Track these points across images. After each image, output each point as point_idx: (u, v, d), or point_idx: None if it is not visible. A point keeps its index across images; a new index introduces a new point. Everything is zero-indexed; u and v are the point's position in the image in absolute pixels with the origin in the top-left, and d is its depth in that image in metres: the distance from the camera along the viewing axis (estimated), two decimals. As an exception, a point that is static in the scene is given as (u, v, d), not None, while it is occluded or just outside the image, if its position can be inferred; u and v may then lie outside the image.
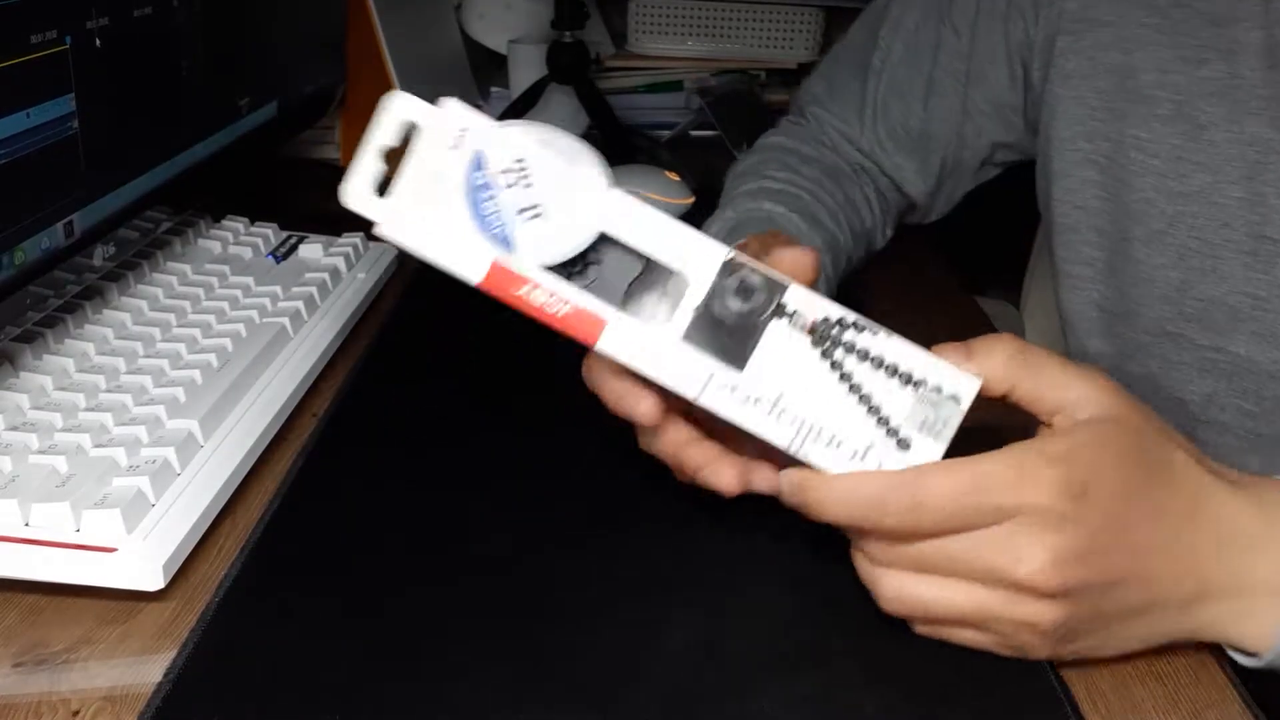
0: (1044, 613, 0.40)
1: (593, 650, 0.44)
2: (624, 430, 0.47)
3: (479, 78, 1.26)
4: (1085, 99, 0.62)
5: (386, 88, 1.02)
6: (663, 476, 0.48)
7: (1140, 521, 0.40)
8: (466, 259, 0.39)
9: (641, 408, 0.43)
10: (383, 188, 0.40)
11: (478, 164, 0.39)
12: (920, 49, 0.72)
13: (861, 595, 0.43)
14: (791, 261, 0.43)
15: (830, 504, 0.40)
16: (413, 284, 0.78)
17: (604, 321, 0.39)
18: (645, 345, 0.40)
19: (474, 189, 0.39)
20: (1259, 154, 0.55)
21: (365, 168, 0.40)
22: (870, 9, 0.77)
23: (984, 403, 0.41)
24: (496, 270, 0.39)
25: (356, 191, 0.40)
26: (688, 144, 1.20)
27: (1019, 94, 0.68)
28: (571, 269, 0.40)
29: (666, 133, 1.22)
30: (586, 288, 0.40)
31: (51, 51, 0.54)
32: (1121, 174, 0.61)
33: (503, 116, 1.17)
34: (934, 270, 0.88)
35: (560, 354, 0.44)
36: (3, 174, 0.51)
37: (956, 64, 0.70)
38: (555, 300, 0.39)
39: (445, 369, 0.67)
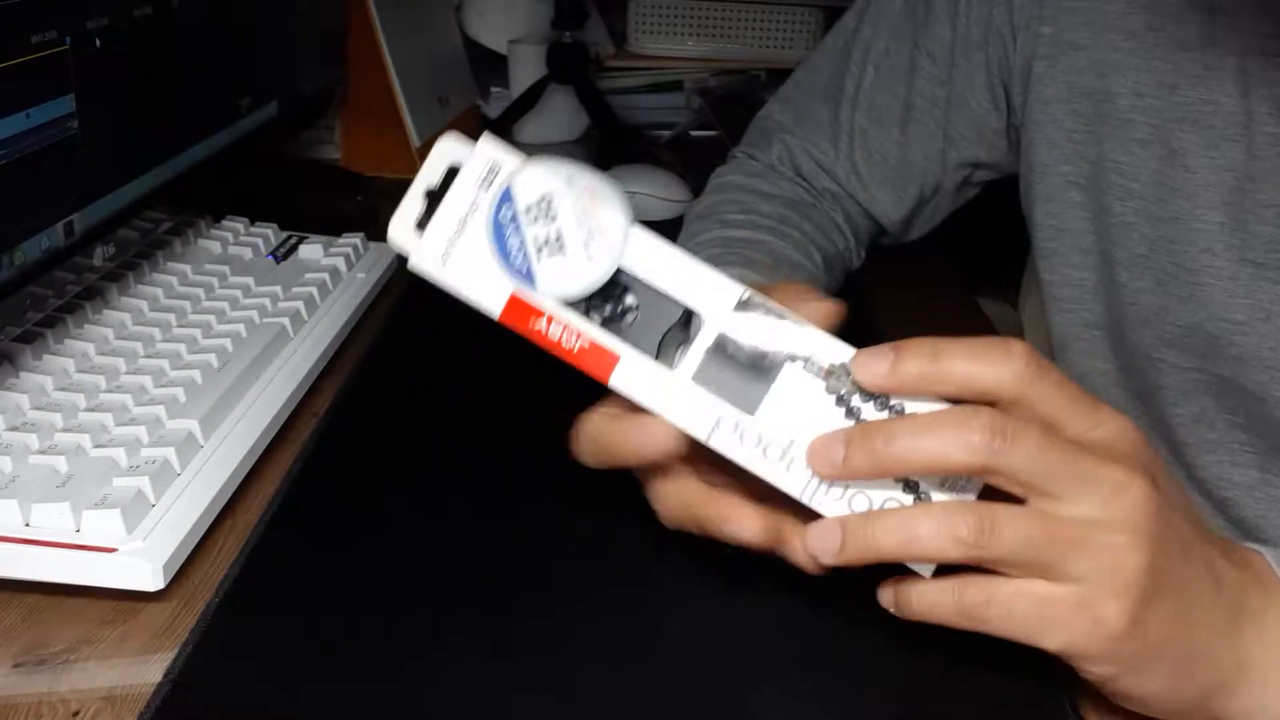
0: (1140, 520, 0.36)
1: (592, 650, 0.44)
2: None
3: (479, 78, 1.26)
4: (1063, 123, 0.62)
5: (386, 88, 1.02)
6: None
7: (1188, 497, 0.40)
8: (488, 292, 0.40)
9: (658, 431, 0.40)
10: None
11: (504, 200, 0.40)
12: (894, 73, 0.70)
13: (862, 594, 0.43)
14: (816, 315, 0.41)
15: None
16: (413, 285, 0.78)
17: (616, 357, 0.39)
18: (657, 383, 0.39)
19: (498, 224, 0.40)
20: (1237, 180, 0.54)
21: (410, 206, 0.41)
22: (834, 32, 0.76)
23: None
24: (515, 303, 0.40)
25: (397, 228, 0.41)
26: (688, 144, 1.20)
27: (1001, 117, 0.68)
28: (605, 312, 0.40)
29: (666, 133, 1.22)
30: (617, 330, 0.40)
31: (51, 51, 0.54)
32: (1102, 197, 0.60)
33: (503, 116, 1.17)
34: (934, 271, 0.88)
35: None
36: (3, 174, 0.51)
37: (934, 90, 0.69)
38: (570, 334, 0.40)
39: (445, 369, 0.67)
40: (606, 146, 1.16)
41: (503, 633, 0.45)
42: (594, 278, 0.39)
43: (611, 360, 0.39)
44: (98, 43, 0.58)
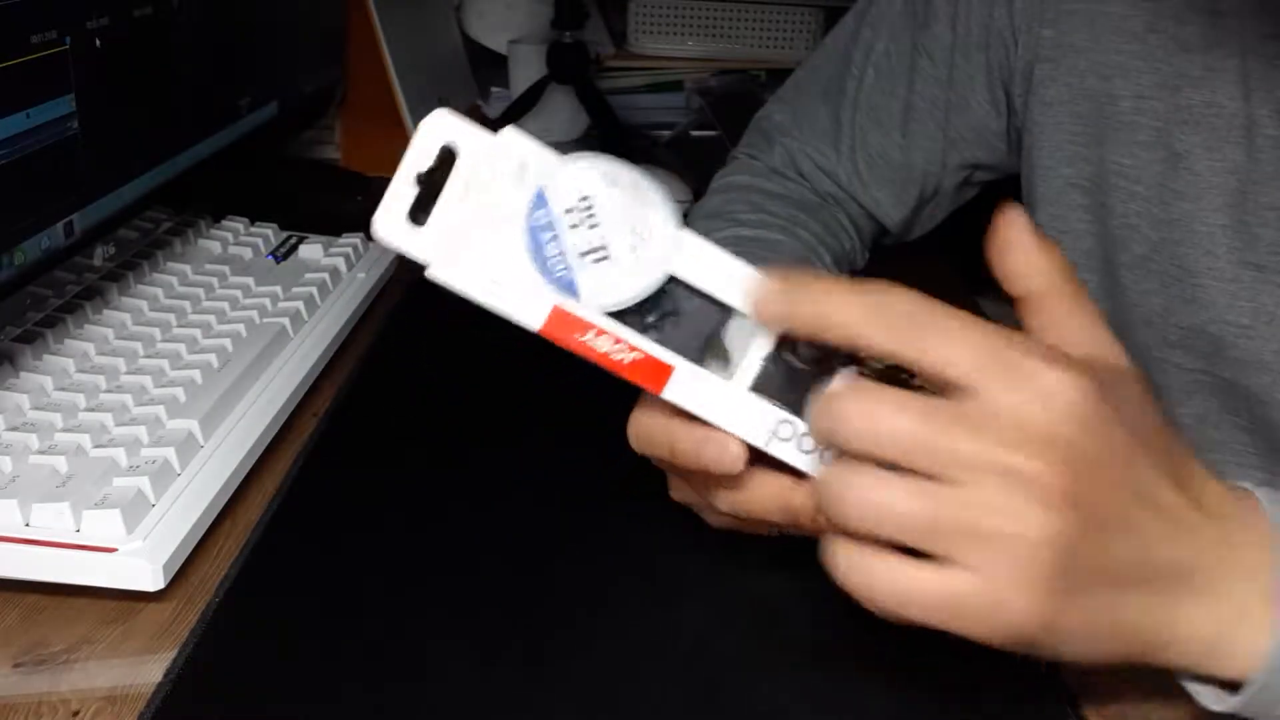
0: (1039, 518, 0.33)
1: (594, 650, 0.44)
2: (623, 431, 0.46)
3: (479, 78, 1.26)
4: (1065, 125, 0.61)
5: (386, 88, 1.02)
6: (662, 478, 0.48)
7: (1144, 470, 0.36)
8: (525, 304, 0.37)
9: (731, 450, 0.38)
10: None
11: (539, 202, 0.36)
12: (894, 75, 0.70)
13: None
14: None
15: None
16: (413, 284, 0.78)
17: (670, 369, 0.37)
18: (713, 393, 0.38)
19: (534, 229, 0.36)
20: (1240, 182, 0.54)
21: (399, 195, 0.36)
22: (834, 34, 0.75)
23: None
24: (558, 316, 0.37)
25: (392, 224, 0.36)
26: (688, 144, 1.20)
27: (1002, 119, 0.68)
28: (646, 319, 0.38)
29: (666, 133, 1.22)
30: (661, 338, 0.38)
31: (51, 51, 0.54)
32: (1104, 199, 0.60)
33: (503, 116, 1.17)
34: (934, 270, 0.88)
35: (560, 357, 0.44)
36: (3, 174, 0.51)
37: (935, 92, 0.69)
38: (620, 348, 0.37)
39: (445, 369, 0.67)
40: (606, 147, 1.15)
41: (504, 632, 0.45)
42: (643, 287, 0.37)
43: (665, 372, 0.37)
44: (98, 43, 0.58)
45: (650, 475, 0.49)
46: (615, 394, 0.43)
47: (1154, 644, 0.37)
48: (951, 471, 0.34)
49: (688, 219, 0.74)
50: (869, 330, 0.35)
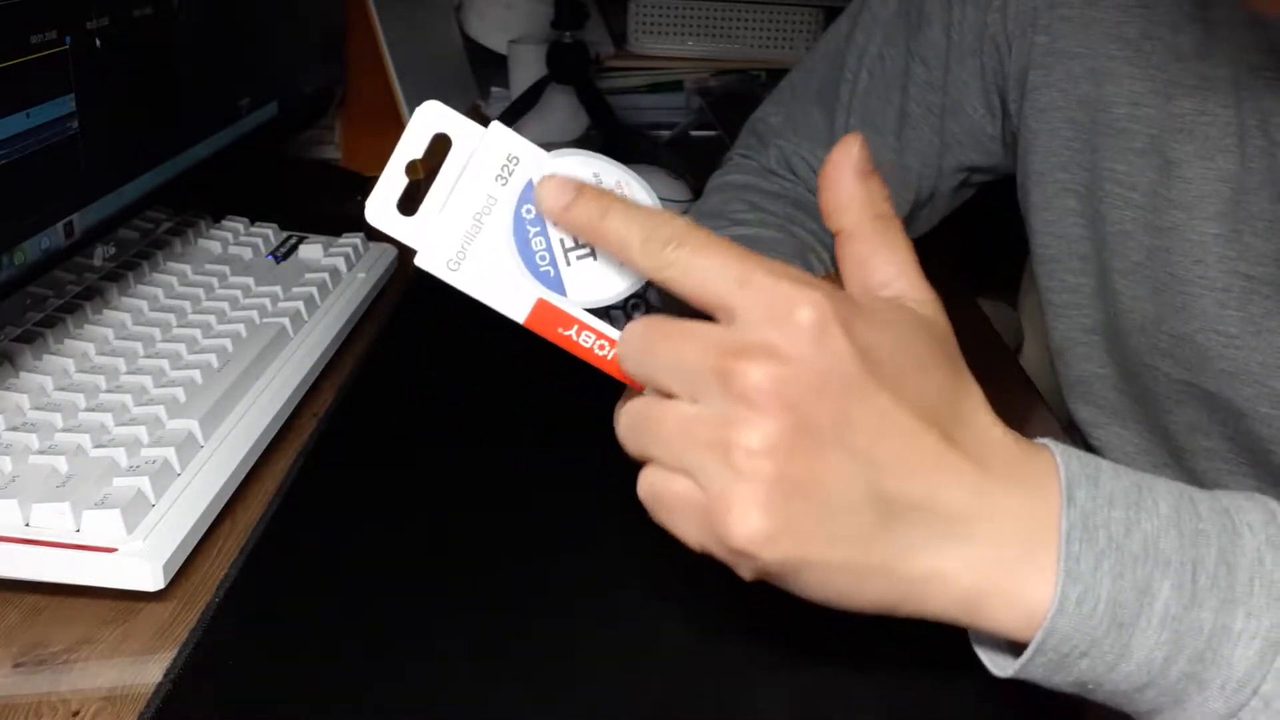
0: (756, 426, 0.33)
1: (588, 652, 0.44)
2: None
3: (479, 78, 1.26)
4: (1059, 131, 0.61)
5: (386, 88, 1.02)
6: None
7: (879, 398, 0.35)
8: (510, 297, 0.37)
9: None
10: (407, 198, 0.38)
11: (527, 196, 0.37)
12: (888, 79, 0.70)
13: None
14: None
15: None
16: (413, 284, 0.78)
17: None
18: None
19: (521, 222, 0.37)
20: (1232, 191, 0.54)
21: (390, 183, 0.37)
22: (828, 36, 0.75)
23: None
24: (542, 309, 0.37)
25: (383, 209, 0.37)
26: (688, 144, 1.20)
27: (997, 123, 0.67)
28: (632, 316, 0.38)
29: (666, 133, 1.22)
30: None
31: (51, 51, 0.54)
32: (1099, 205, 0.60)
33: (503, 117, 1.17)
34: (934, 271, 0.87)
35: (559, 356, 0.44)
36: (3, 174, 0.51)
37: (929, 97, 0.69)
38: (603, 342, 0.38)
39: (445, 369, 0.67)
40: (607, 147, 1.16)
41: (499, 634, 0.45)
42: (626, 286, 0.38)
43: None
44: (98, 43, 0.58)
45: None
46: (613, 395, 0.43)
47: (912, 590, 0.36)
48: (685, 386, 0.35)
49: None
50: (634, 248, 0.36)
